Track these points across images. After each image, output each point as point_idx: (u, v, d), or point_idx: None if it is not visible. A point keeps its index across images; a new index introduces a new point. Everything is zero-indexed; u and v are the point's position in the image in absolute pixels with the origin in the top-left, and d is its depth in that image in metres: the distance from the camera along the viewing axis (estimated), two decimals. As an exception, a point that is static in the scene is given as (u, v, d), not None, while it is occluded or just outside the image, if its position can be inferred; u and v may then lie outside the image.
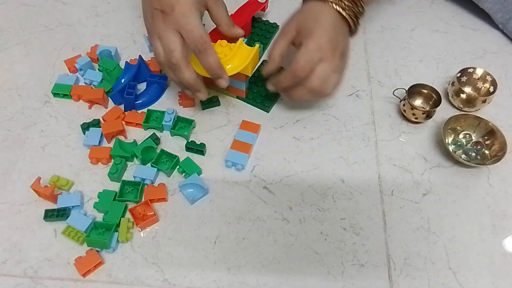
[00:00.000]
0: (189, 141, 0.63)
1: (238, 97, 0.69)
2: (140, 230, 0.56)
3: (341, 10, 0.58)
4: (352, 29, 0.61)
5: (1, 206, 0.58)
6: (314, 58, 0.56)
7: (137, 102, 0.67)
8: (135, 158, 0.62)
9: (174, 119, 0.64)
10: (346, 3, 0.59)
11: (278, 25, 0.77)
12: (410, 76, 0.73)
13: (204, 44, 0.55)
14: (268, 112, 0.68)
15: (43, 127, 0.66)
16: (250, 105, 0.68)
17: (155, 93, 0.68)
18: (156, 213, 0.57)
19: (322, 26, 0.57)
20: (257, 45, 0.60)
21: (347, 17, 0.59)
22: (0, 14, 0.80)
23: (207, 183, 0.60)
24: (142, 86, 0.70)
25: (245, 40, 0.72)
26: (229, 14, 0.65)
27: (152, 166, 0.61)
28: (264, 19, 0.78)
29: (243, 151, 0.62)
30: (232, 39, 0.62)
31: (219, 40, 0.60)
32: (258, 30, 0.76)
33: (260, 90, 0.68)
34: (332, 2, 0.58)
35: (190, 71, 0.58)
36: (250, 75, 0.63)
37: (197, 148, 0.62)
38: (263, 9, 0.77)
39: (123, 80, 0.67)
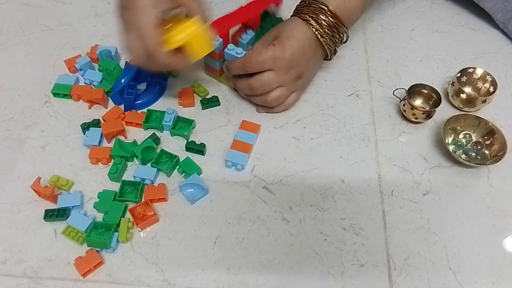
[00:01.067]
0: (189, 141, 0.63)
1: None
2: (140, 230, 0.56)
3: (318, 36, 0.61)
4: (328, 55, 0.65)
5: (1, 206, 0.58)
6: (264, 64, 0.60)
7: (137, 102, 0.67)
8: (135, 158, 0.62)
9: (174, 119, 0.64)
10: (326, 30, 0.61)
11: (282, 19, 0.77)
12: (410, 76, 0.73)
13: (151, 48, 0.53)
14: None
15: (43, 127, 0.66)
16: (251, 105, 0.68)
17: (155, 93, 0.68)
18: (156, 213, 0.57)
19: (290, 44, 0.60)
20: (204, 25, 0.55)
21: (324, 44, 0.62)
22: (0, 14, 0.80)
23: (207, 183, 0.60)
24: (142, 86, 0.70)
25: (254, 33, 0.72)
26: (242, 6, 0.68)
27: (152, 166, 0.61)
28: (277, 16, 0.78)
29: (243, 151, 0.62)
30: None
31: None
32: (269, 25, 0.75)
33: None
34: (312, 26, 0.61)
35: (160, 58, 0.54)
36: (201, 55, 0.57)
37: (197, 148, 0.62)
38: (277, 5, 0.77)
39: (123, 80, 0.67)
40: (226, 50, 0.64)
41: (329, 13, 0.61)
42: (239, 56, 0.63)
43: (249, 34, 0.71)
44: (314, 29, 0.61)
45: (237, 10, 0.69)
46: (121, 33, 0.56)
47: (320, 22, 0.61)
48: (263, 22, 0.75)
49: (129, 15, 0.53)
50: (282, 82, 0.62)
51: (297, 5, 0.66)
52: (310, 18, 0.61)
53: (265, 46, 0.62)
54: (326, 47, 0.63)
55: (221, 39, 0.63)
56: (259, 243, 0.56)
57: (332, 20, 0.61)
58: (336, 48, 0.65)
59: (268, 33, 0.65)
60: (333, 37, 0.63)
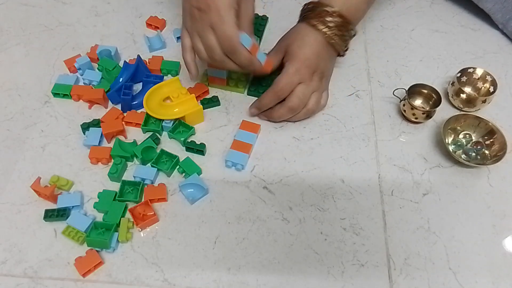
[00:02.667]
0: (189, 141, 0.63)
1: (248, 93, 0.70)
2: (140, 230, 0.56)
3: (328, 39, 0.62)
4: (340, 53, 0.66)
5: (1, 206, 0.58)
6: (293, 80, 0.61)
7: (134, 102, 0.67)
8: (135, 158, 0.62)
9: (174, 122, 0.64)
10: (335, 31, 0.62)
11: (268, 17, 0.79)
12: (410, 76, 0.73)
13: (232, 46, 0.56)
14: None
15: (43, 127, 0.66)
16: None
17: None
18: (156, 213, 0.57)
19: (304, 52, 0.62)
20: (200, 106, 0.65)
21: (336, 46, 0.64)
22: (0, 14, 0.80)
23: (207, 183, 0.60)
24: (138, 87, 0.70)
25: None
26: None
27: (152, 166, 0.61)
28: (260, 15, 0.79)
29: (243, 151, 0.62)
30: None
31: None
32: (255, 25, 0.76)
33: (269, 82, 0.68)
34: (320, 30, 0.62)
35: (239, 57, 0.58)
36: (192, 125, 0.65)
37: (197, 148, 0.62)
38: None
39: (121, 79, 0.67)
40: None
41: (334, 14, 0.61)
42: None
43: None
44: (323, 33, 0.62)
45: None
46: (193, 36, 0.59)
47: (327, 24, 0.61)
48: None
49: (205, 16, 0.55)
50: (313, 88, 0.63)
51: (302, 10, 0.66)
52: (317, 23, 0.62)
53: (279, 55, 0.64)
54: (337, 47, 0.64)
55: None
56: (259, 243, 0.56)
57: (339, 20, 0.62)
58: (347, 45, 0.66)
59: (279, 43, 0.66)
60: (342, 36, 0.63)
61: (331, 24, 0.62)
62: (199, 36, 0.58)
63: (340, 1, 0.62)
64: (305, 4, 0.65)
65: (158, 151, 0.62)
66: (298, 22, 0.66)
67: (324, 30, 0.62)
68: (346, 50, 0.67)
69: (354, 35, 0.66)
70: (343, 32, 0.63)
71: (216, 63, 0.60)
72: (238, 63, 0.59)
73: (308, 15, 0.63)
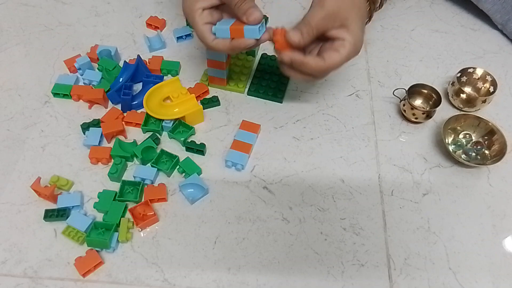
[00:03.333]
0: (189, 141, 0.63)
1: (248, 93, 0.69)
2: (140, 230, 0.56)
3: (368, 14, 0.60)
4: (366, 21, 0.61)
5: (1, 206, 0.58)
6: (350, 58, 0.55)
7: (134, 102, 0.67)
8: (135, 158, 0.62)
9: (174, 122, 0.64)
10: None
11: (268, 17, 0.79)
12: (410, 76, 0.73)
13: (207, 46, 0.57)
14: (281, 102, 0.69)
15: (43, 127, 0.66)
16: (251, 105, 0.68)
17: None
18: (156, 213, 0.57)
19: (363, 29, 0.56)
20: (200, 106, 0.64)
21: (368, 7, 0.60)
22: (0, 14, 0.80)
23: (207, 183, 0.60)
24: (139, 87, 0.70)
25: None
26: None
27: (152, 166, 0.61)
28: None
29: (243, 151, 0.62)
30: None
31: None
32: None
33: (269, 83, 0.69)
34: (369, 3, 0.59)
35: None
36: (192, 125, 0.65)
37: (197, 148, 0.62)
38: None
39: (121, 79, 0.67)
40: (207, 50, 0.63)
41: None
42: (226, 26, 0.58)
43: None
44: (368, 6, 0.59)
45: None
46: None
47: None
48: None
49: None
50: (336, 68, 0.56)
51: None
52: None
53: (325, 22, 0.54)
54: (372, 8, 0.62)
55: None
56: (259, 243, 0.56)
57: None
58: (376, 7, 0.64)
59: (321, 5, 0.55)
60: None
61: None
62: None
63: None
64: None
65: (158, 151, 0.62)
66: None
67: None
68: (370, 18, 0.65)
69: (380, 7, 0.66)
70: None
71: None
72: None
73: None
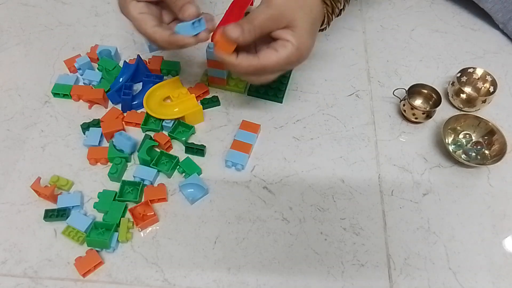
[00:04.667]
0: (189, 142, 0.63)
1: (248, 94, 0.69)
2: (140, 230, 0.56)
3: (326, 18, 0.57)
4: (323, 27, 0.59)
5: (1, 206, 0.58)
6: (291, 61, 0.53)
7: (134, 102, 0.67)
8: (133, 158, 0.62)
9: (174, 122, 0.64)
10: (333, 5, 0.56)
11: None
12: (410, 76, 0.73)
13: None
14: (281, 102, 0.69)
15: (43, 127, 0.66)
16: (251, 105, 0.68)
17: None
18: (156, 213, 0.57)
19: (313, 30, 0.54)
20: (200, 106, 0.64)
21: (325, 10, 0.56)
22: (0, 14, 0.80)
23: (207, 183, 0.60)
24: (138, 87, 0.70)
25: None
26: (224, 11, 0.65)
27: (151, 167, 0.60)
28: None
29: (243, 151, 0.62)
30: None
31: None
32: None
33: (270, 85, 0.69)
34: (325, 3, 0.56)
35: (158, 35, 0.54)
36: (193, 124, 0.65)
37: (197, 148, 0.62)
38: (251, 4, 0.78)
39: (121, 79, 0.67)
40: (207, 49, 0.63)
41: None
42: None
43: None
44: (324, 7, 0.55)
45: (227, 16, 0.68)
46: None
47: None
48: None
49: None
50: (283, 69, 0.55)
51: None
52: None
53: (268, 23, 0.53)
54: (326, 16, 0.57)
55: None
56: (259, 243, 0.56)
57: None
58: (333, 17, 0.58)
59: (268, 4, 0.53)
60: (333, 12, 0.57)
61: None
62: None
63: None
64: None
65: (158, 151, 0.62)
66: None
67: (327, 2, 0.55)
68: (328, 24, 0.60)
69: (340, 14, 0.60)
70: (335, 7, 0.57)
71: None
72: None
73: None
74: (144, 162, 0.61)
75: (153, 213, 0.56)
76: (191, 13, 0.53)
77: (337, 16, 0.61)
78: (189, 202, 0.59)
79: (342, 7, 0.60)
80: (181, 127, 0.65)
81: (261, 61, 0.52)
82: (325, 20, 0.58)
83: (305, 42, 0.53)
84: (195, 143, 0.63)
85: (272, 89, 0.69)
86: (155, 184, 0.60)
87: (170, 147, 0.64)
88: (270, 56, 0.52)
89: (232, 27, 0.51)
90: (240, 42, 0.52)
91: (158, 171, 0.60)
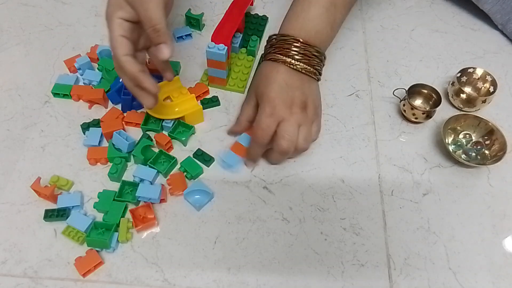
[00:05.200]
0: (199, 151, 0.62)
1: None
2: (137, 232, 0.56)
3: (295, 67, 0.58)
4: (314, 78, 0.61)
5: (1, 206, 0.58)
6: (270, 122, 0.57)
7: (134, 102, 0.67)
8: (132, 158, 0.62)
9: (174, 122, 0.64)
10: (300, 58, 0.58)
11: (268, 17, 0.79)
12: (410, 76, 0.73)
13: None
14: None
15: (43, 127, 0.66)
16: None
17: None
18: (156, 213, 0.57)
19: (272, 88, 0.58)
20: (200, 106, 0.65)
21: (306, 72, 0.59)
22: (0, 14, 0.80)
23: (207, 183, 0.60)
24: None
25: (240, 35, 0.72)
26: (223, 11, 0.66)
27: (149, 166, 0.60)
28: (252, 13, 0.79)
29: (240, 155, 0.61)
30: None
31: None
32: (250, 24, 0.77)
33: None
34: (284, 62, 0.58)
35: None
36: (193, 124, 0.66)
37: (204, 159, 0.62)
38: (252, 4, 0.78)
39: (121, 79, 0.67)
40: (207, 48, 0.63)
41: (294, 41, 0.58)
42: (221, 52, 0.62)
43: (237, 37, 0.72)
44: (286, 63, 0.58)
45: (227, 16, 0.68)
46: None
47: (289, 54, 0.58)
48: (246, 23, 0.77)
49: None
50: (297, 121, 0.58)
51: (265, 48, 0.63)
52: (278, 55, 0.59)
53: (251, 103, 0.61)
54: (308, 73, 0.59)
55: (226, 47, 0.63)
56: (259, 243, 0.56)
57: (301, 45, 0.58)
58: (319, 69, 0.61)
59: (247, 94, 0.65)
60: (309, 61, 0.59)
61: (293, 52, 0.58)
62: None
63: (298, 28, 0.59)
64: (267, 42, 0.63)
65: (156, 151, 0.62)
66: (261, 61, 0.63)
67: (287, 60, 0.58)
68: (320, 74, 0.62)
69: (325, 58, 0.62)
70: (309, 56, 0.59)
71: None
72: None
73: (269, 51, 0.61)
74: (139, 161, 0.61)
75: (153, 216, 0.56)
76: (165, 55, 0.54)
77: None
78: (196, 209, 0.58)
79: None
80: (181, 127, 0.64)
81: (253, 135, 0.59)
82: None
83: (255, 87, 0.60)
84: (205, 151, 0.63)
85: None
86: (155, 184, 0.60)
87: (171, 147, 0.63)
88: (255, 122, 0.59)
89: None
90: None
91: (158, 172, 0.60)
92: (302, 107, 0.59)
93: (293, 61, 0.58)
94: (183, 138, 0.63)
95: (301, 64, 0.58)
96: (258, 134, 0.58)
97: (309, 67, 0.59)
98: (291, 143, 0.57)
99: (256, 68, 0.65)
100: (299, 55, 0.59)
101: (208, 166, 0.62)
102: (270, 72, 0.59)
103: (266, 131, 0.57)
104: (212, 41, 0.64)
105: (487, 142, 0.64)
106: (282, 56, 0.59)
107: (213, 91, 0.70)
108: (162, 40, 0.53)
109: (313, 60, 0.60)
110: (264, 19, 0.78)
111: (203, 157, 0.62)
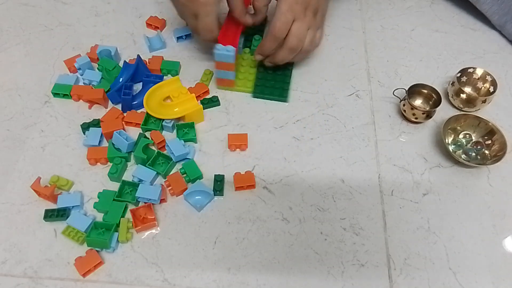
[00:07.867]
0: (218, 175, 0.61)
1: (253, 95, 0.69)
2: (137, 232, 0.56)
3: None
4: None
5: (1, 206, 0.58)
6: (288, 18, 0.60)
7: (134, 102, 0.67)
8: (131, 158, 0.62)
9: (173, 123, 0.64)
10: None
11: (267, 17, 0.78)
12: (410, 76, 0.73)
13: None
14: (287, 102, 0.69)
15: (43, 127, 0.66)
16: (251, 105, 0.68)
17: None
18: (156, 213, 0.57)
19: None
20: (200, 106, 0.65)
21: None
22: (0, 14, 0.80)
23: (207, 183, 0.60)
24: (138, 87, 0.70)
25: (242, 35, 0.72)
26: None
27: (148, 167, 0.60)
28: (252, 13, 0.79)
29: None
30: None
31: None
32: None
33: (272, 83, 0.69)
34: None
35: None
36: (194, 123, 0.65)
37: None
38: (251, 3, 0.78)
39: (121, 79, 0.67)
40: (215, 50, 0.63)
41: None
42: (230, 53, 0.62)
43: (240, 37, 0.72)
44: None
45: (230, 17, 0.68)
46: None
47: None
48: None
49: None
50: (308, 24, 0.62)
51: None
52: None
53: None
54: None
55: (234, 48, 0.63)
56: (259, 243, 0.56)
57: None
58: None
59: None
60: None
61: None
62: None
63: None
64: None
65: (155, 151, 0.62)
66: None
67: None
68: None
69: None
70: None
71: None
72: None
73: None
74: (140, 161, 0.61)
75: (153, 217, 0.56)
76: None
77: None
78: (196, 210, 0.58)
79: None
80: (183, 128, 0.64)
81: (271, 28, 0.61)
82: None
83: None
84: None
85: (277, 89, 0.69)
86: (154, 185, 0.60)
87: (164, 148, 0.63)
88: (275, 19, 0.60)
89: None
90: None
91: (157, 173, 0.60)
92: (314, 12, 0.63)
93: None
94: (193, 136, 0.63)
95: None
96: (277, 26, 0.60)
97: None
98: (300, 43, 0.63)
99: None
100: None
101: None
102: None
103: (282, 27, 0.61)
104: (219, 43, 0.63)
105: (487, 142, 0.64)
106: None
107: (213, 91, 0.70)
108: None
109: None
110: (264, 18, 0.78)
111: (220, 184, 0.60)
